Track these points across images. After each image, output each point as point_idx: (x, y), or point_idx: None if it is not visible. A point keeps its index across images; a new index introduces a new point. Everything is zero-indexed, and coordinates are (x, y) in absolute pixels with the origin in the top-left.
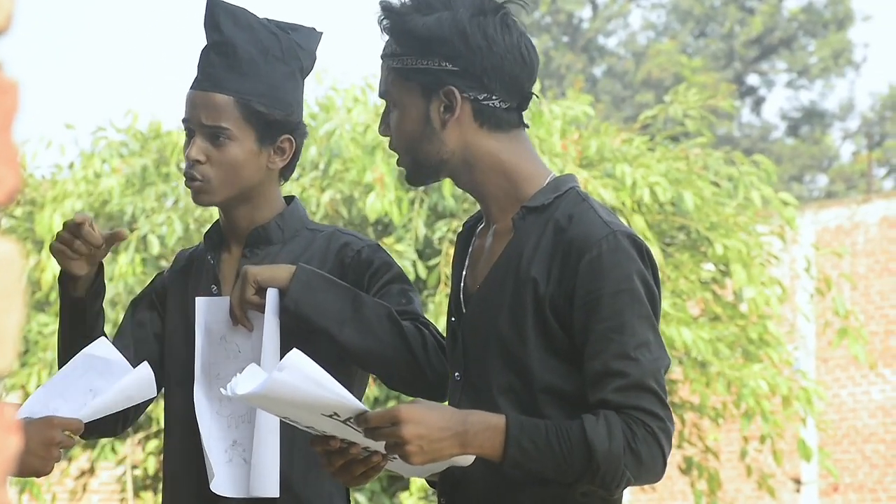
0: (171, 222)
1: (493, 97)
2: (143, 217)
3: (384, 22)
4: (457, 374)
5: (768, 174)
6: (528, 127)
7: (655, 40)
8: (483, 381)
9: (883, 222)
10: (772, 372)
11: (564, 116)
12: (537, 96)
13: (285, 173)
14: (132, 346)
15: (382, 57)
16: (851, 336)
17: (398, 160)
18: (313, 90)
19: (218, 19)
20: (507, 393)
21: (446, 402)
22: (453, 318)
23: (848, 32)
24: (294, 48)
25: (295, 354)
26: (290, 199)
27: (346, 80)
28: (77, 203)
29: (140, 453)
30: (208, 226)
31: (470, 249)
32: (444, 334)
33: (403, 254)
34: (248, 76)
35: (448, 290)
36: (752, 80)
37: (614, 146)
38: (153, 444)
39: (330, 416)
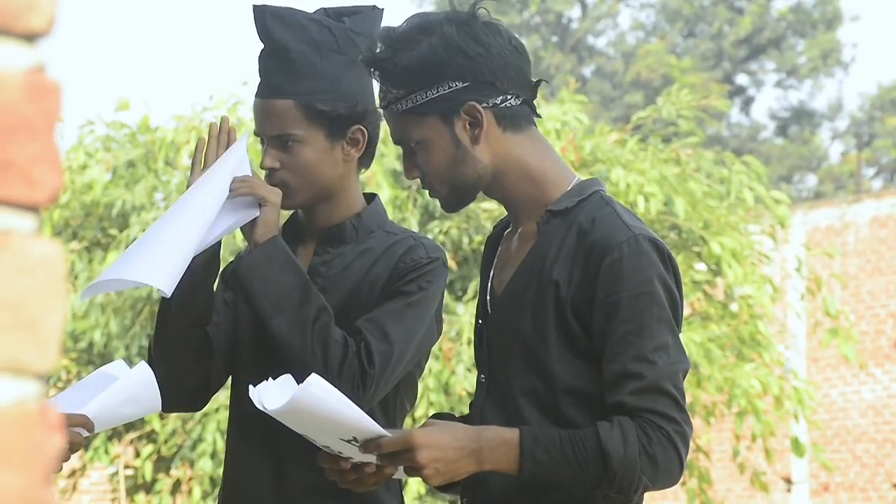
0: None
1: (508, 96)
2: (135, 215)
3: (376, 73)
4: (482, 376)
5: (758, 175)
6: (539, 117)
7: (644, 40)
8: (506, 384)
9: (873, 222)
10: (763, 372)
11: (560, 120)
12: (546, 81)
13: (364, 161)
14: (221, 325)
15: (386, 106)
16: (841, 336)
17: (431, 193)
18: None
19: (267, 25)
20: (530, 395)
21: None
22: (480, 321)
23: (837, 32)
24: (349, 37)
25: (317, 377)
26: (370, 198)
27: None
28: (62, 196)
29: (131, 453)
30: None
31: (497, 253)
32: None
33: None
34: (306, 76)
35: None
36: (741, 79)
37: (607, 147)
38: (149, 448)
39: (348, 441)
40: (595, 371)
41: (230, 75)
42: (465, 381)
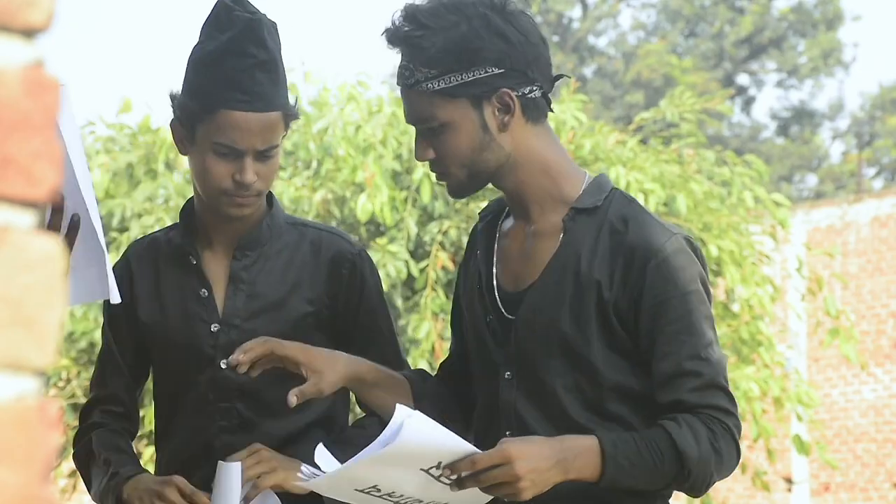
0: (163, 223)
1: (534, 87)
2: (133, 220)
3: (407, 49)
4: (507, 373)
5: (760, 175)
6: (552, 111)
7: (645, 40)
8: (544, 380)
9: (874, 222)
10: (764, 374)
11: (556, 119)
12: (568, 76)
13: None
14: (127, 372)
15: (412, 84)
16: (842, 336)
17: (442, 177)
18: (305, 89)
19: (263, 37)
20: (573, 391)
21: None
22: (490, 318)
23: (838, 32)
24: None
25: (402, 406)
26: (269, 196)
27: (338, 78)
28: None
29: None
30: None
31: (495, 247)
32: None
33: (396, 254)
34: (283, 87)
35: (434, 294)
36: (742, 79)
37: (608, 147)
38: (150, 449)
39: (427, 470)
40: (637, 369)
41: None
42: None
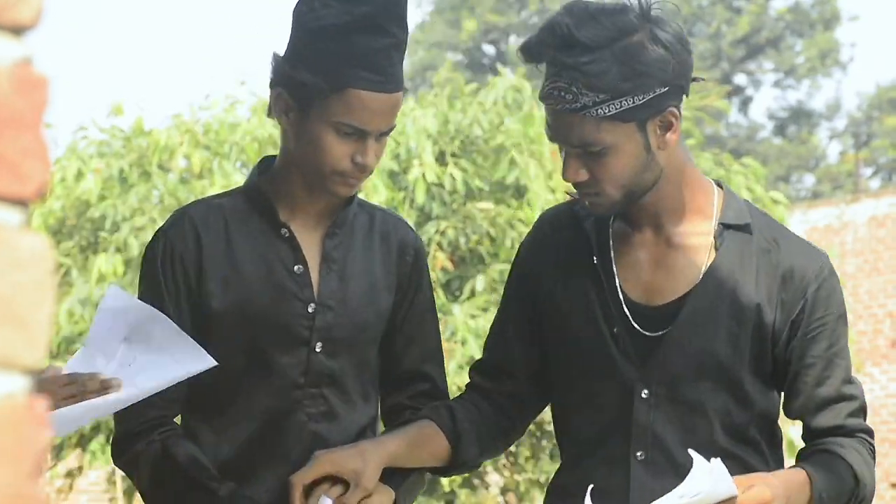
0: (156, 223)
1: (684, 95)
2: (124, 221)
3: (570, 73)
4: (644, 391)
5: (757, 177)
6: None
7: None
8: (693, 403)
9: (871, 222)
10: None
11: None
12: (703, 79)
13: None
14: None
15: (577, 109)
16: None
17: (589, 196)
18: None
19: (403, 15)
20: (723, 415)
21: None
22: (616, 329)
23: (835, 32)
24: None
25: (698, 455)
26: None
27: None
28: (55, 203)
29: None
30: None
31: (612, 253)
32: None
33: None
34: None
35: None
36: (740, 79)
37: None
38: None
39: None
40: (776, 394)
41: (226, 74)
42: (458, 377)
